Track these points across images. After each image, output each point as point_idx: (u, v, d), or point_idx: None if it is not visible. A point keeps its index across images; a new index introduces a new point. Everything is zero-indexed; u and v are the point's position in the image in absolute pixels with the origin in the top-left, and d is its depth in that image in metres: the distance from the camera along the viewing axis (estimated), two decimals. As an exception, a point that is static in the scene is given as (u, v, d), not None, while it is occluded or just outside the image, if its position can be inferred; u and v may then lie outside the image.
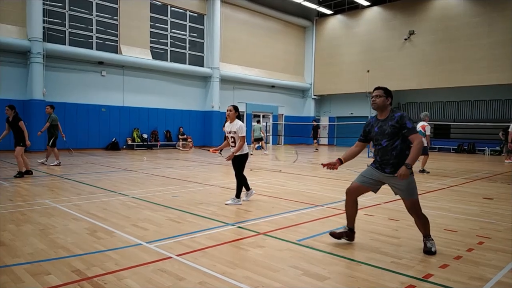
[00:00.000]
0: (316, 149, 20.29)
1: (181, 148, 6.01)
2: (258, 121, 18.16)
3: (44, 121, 15.23)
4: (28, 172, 8.50)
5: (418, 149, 3.56)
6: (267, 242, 3.94)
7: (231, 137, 5.84)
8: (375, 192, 3.91)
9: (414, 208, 3.68)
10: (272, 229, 4.45)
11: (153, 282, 2.88)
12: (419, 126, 10.49)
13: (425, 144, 10.47)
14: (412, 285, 2.91)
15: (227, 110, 5.90)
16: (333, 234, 3.92)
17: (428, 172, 10.43)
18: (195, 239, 3.98)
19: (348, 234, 3.91)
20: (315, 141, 20.61)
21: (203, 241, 3.91)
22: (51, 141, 10.82)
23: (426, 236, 3.77)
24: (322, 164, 3.91)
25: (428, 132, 10.34)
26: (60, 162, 10.86)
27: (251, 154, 15.83)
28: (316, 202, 6.11)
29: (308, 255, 3.58)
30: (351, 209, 3.91)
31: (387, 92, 3.75)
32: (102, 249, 3.63)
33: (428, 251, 3.66)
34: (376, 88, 3.79)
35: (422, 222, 3.74)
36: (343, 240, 4.01)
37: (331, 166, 3.82)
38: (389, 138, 3.67)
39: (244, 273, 3.11)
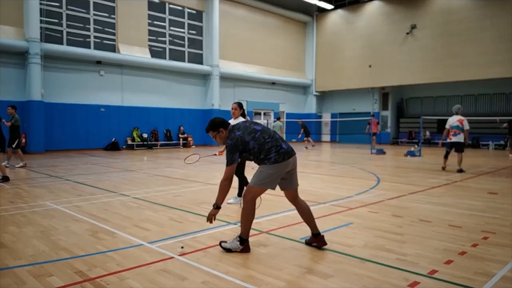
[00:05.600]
0: (306, 147, 19.98)
1: (190, 162, 5.78)
2: (278, 118, 17.71)
3: (42, 122, 15.31)
4: None
5: (221, 188, 3.44)
6: (270, 241, 3.91)
7: None
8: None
9: (245, 193, 3.52)
10: (275, 227, 4.43)
11: (156, 283, 2.85)
12: (455, 120, 9.66)
13: (462, 140, 9.59)
14: (416, 281, 2.88)
15: (232, 109, 5.85)
16: (306, 242, 3.80)
17: (464, 171, 9.56)
18: (197, 238, 3.95)
19: (312, 239, 3.70)
20: (307, 138, 20.28)
21: (205, 241, 3.88)
22: (16, 143, 10.19)
23: (239, 235, 3.53)
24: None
25: (466, 127, 9.55)
26: (26, 164, 10.41)
27: None
28: (319, 199, 6.07)
29: (312, 253, 3.55)
30: (300, 214, 3.75)
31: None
32: (103, 250, 3.60)
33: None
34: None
35: (243, 214, 3.51)
36: (346, 237, 3.99)
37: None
38: None
39: (247, 272, 3.08)
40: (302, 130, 20.12)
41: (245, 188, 6.00)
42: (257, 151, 3.45)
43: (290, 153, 3.50)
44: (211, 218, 3.53)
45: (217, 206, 3.51)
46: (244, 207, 3.50)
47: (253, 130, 3.50)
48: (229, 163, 3.43)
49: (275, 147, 3.44)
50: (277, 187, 3.68)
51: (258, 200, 4.36)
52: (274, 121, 17.96)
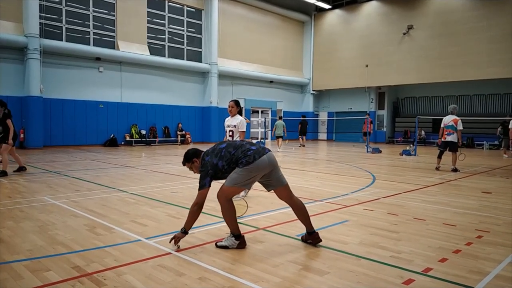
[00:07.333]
0: (301, 145, 19.85)
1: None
2: (280, 118, 17.71)
3: (41, 118, 15.28)
4: (22, 169, 8.40)
5: (191, 212, 3.46)
6: (266, 237, 3.94)
7: (230, 130, 5.84)
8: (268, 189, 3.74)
9: (219, 193, 3.55)
10: (271, 224, 4.46)
11: (153, 278, 2.87)
12: (450, 120, 9.67)
13: (456, 140, 9.61)
14: (411, 279, 2.91)
15: (229, 106, 5.84)
16: (302, 239, 3.84)
17: (459, 171, 9.57)
18: (194, 234, 3.97)
19: (307, 237, 3.73)
20: (302, 136, 20.13)
21: (202, 237, 3.90)
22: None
23: (231, 233, 3.59)
24: None
25: (460, 127, 9.57)
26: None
27: (279, 152, 15.75)
28: (315, 197, 6.11)
29: (308, 250, 3.58)
30: (296, 213, 3.77)
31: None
32: (101, 245, 3.62)
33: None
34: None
35: (223, 215, 3.56)
36: (342, 235, 4.02)
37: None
38: None
39: (243, 268, 3.11)
40: (299, 126, 20.13)
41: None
42: (228, 167, 3.46)
43: (261, 152, 3.48)
44: (174, 240, 3.50)
45: (184, 231, 3.50)
46: (221, 208, 3.53)
47: (218, 150, 3.52)
48: (200, 187, 3.44)
49: (242, 153, 3.45)
50: (267, 188, 3.72)
51: (244, 206, 4.38)
52: (276, 120, 17.93)
